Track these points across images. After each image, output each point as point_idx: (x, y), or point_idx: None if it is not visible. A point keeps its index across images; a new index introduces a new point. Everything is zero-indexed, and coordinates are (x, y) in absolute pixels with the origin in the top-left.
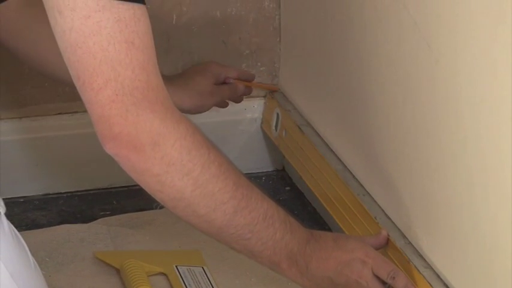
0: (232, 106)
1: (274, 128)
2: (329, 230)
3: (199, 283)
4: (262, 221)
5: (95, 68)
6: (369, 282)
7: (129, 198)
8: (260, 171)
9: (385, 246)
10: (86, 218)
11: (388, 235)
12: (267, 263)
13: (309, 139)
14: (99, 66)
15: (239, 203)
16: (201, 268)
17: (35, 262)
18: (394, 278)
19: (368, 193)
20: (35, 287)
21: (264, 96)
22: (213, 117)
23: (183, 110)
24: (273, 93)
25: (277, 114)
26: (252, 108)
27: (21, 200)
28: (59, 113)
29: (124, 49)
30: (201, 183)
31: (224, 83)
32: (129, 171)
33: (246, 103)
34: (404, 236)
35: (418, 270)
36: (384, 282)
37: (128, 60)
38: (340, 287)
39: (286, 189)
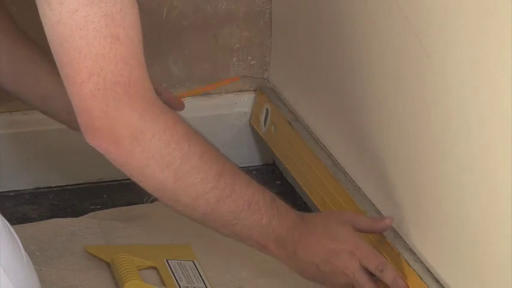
0: (222, 100)
1: (263, 123)
2: None
3: (190, 277)
4: (247, 208)
5: (79, 63)
6: (356, 274)
7: (120, 192)
8: (250, 165)
9: (380, 232)
10: (77, 212)
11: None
12: (255, 246)
13: (299, 134)
14: (83, 60)
15: (222, 192)
16: (192, 262)
17: (27, 256)
18: (382, 270)
19: (358, 187)
20: (27, 281)
21: (254, 91)
22: (202, 111)
23: None
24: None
25: (267, 109)
26: (242, 102)
27: (12, 194)
28: None
29: (108, 43)
30: (181, 175)
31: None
32: (111, 162)
33: (235, 97)
34: (394, 230)
35: (409, 264)
36: (372, 275)
37: (112, 54)
38: (326, 275)
39: (277, 183)
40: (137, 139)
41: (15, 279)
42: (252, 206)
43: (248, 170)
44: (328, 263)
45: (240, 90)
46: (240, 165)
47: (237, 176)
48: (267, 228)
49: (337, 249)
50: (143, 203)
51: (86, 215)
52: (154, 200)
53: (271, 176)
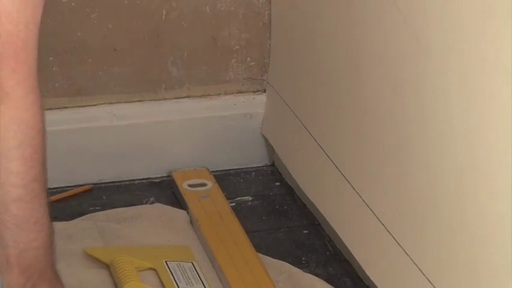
0: (221, 101)
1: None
2: (319, 225)
3: (189, 278)
4: (32, 223)
5: None
6: None
7: (119, 194)
8: (250, 166)
9: None
10: (76, 213)
11: None
12: (2, 257)
13: (299, 134)
14: None
15: (26, 195)
16: (191, 263)
17: None
18: None
19: (354, 189)
20: None
21: (254, 92)
22: (201, 112)
23: None
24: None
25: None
26: (242, 104)
27: None
28: (48, 109)
29: (17, 3)
30: (7, 155)
31: None
32: None
33: (235, 98)
34: (389, 233)
35: (402, 268)
36: None
37: (16, 14)
38: None
39: (276, 184)
40: (3, 101)
41: None
42: (37, 226)
43: (247, 171)
44: None
45: (239, 92)
46: (240, 167)
47: (43, 193)
48: (31, 252)
49: None
50: (142, 203)
51: (81, 217)
52: (154, 201)
53: (271, 177)
